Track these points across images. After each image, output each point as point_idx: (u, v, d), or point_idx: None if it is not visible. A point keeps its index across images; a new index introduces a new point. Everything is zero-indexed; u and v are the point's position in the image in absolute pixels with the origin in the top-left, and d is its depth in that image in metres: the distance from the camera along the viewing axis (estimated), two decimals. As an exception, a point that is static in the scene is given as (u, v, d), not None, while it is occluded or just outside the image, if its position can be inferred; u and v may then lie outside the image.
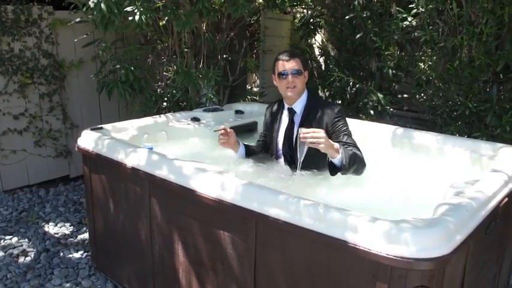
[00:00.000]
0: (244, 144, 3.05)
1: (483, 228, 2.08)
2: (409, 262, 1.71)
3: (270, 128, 3.05)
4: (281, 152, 2.95)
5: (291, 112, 2.88)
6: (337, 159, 2.55)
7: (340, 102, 4.78)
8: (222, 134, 2.88)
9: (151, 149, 2.91)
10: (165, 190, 2.57)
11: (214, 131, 2.89)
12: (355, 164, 2.59)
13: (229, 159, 2.99)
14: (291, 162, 2.87)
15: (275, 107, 3.06)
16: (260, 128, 3.38)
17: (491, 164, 2.68)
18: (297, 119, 2.87)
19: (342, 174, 2.61)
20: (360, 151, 2.67)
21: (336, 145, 2.56)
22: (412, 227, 1.75)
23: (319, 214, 1.92)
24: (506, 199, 2.28)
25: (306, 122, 2.77)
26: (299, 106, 2.87)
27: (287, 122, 2.92)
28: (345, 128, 2.76)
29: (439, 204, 1.99)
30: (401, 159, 3.11)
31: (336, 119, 2.75)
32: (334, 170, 2.61)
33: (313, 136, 2.47)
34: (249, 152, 3.06)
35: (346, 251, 1.85)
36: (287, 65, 2.78)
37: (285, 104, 2.95)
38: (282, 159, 2.96)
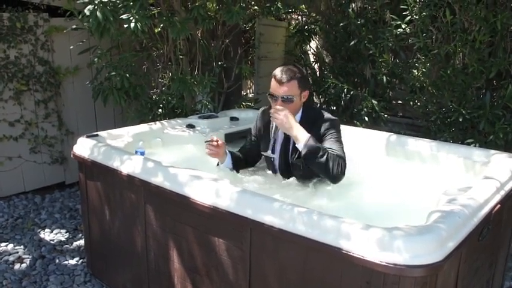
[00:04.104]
0: (230, 152, 2.92)
1: (476, 235, 2.10)
2: (402, 269, 1.73)
3: (263, 138, 2.94)
4: (277, 167, 2.88)
5: (286, 140, 2.79)
6: (299, 145, 2.55)
7: (334, 108, 4.81)
8: (213, 145, 2.78)
9: (143, 153, 2.93)
10: (160, 197, 2.58)
11: (206, 141, 2.81)
12: (321, 158, 2.50)
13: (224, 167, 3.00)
14: (288, 176, 2.84)
15: (267, 116, 2.88)
16: None
17: (484, 171, 2.70)
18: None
19: (306, 163, 2.59)
20: (342, 158, 2.58)
21: (304, 134, 2.54)
22: (405, 234, 1.77)
23: (313, 221, 1.94)
24: (499, 206, 2.30)
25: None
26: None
27: (282, 138, 2.83)
28: (333, 136, 2.67)
29: (432, 211, 2.01)
30: (395, 166, 3.13)
31: (326, 129, 2.68)
32: (299, 157, 2.60)
33: (273, 112, 2.55)
34: (235, 162, 2.92)
35: (340, 258, 1.87)
36: (280, 89, 2.64)
37: None
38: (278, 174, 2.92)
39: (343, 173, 2.57)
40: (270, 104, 2.81)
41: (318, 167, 2.56)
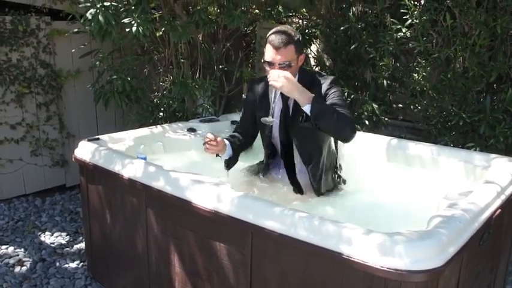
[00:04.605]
0: (227, 140, 2.83)
1: (477, 240, 2.11)
2: (402, 274, 1.73)
3: (262, 108, 2.77)
4: (277, 138, 2.78)
5: (285, 97, 2.63)
6: (306, 107, 2.43)
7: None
8: (212, 144, 2.68)
9: (144, 159, 2.94)
10: (161, 201, 2.59)
11: (204, 143, 2.72)
12: (332, 117, 2.40)
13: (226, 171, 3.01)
14: (288, 151, 2.75)
15: (263, 85, 2.80)
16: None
17: (484, 175, 2.71)
18: (291, 102, 2.66)
19: (316, 125, 2.45)
20: (350, 115, 2.49)
21: (309, 95, 2.43)
22: (406, 239, 1.78)
23: (314, 226, 1.94)
24: (500, 210, 2.30)
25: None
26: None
27: (281, 106, 2.71)
28: (336, 94, 2.55)
29: (433, 216, 2.02)
30: (396, 170, 3.13)
31: (328, 89, 2.57)
32: (307, 119, 2.46)
33: (273, 77, 2.43)
34: (235, 148, 2.84)
35: (341, 263, 1.87)
36: (276, 55, 2.53)
37: None
38: (277, 153, 2.83)
39: (354, 132, 2.46)
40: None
41: (328, 127, 2.46)
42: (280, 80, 2.42)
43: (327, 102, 2.53)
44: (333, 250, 1.88)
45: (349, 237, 1.86)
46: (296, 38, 2.58)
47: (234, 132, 3.01)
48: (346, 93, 4.42)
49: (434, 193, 2.60)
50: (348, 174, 3.13)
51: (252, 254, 2.20)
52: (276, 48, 2.53)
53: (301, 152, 2.72)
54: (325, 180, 2.76)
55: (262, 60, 2.65)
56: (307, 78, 2.64)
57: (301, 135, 2.67)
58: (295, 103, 2.56)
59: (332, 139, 2.78)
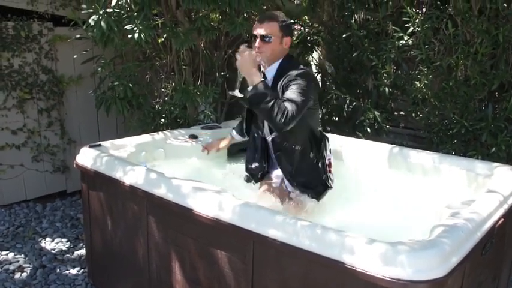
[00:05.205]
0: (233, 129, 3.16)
1: (479, 249, 2.10)
2: (405, 284, 1.73)
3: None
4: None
5: (264, 77, 2.69)
6: (249, 88, 2.54)
7: (337, 119, 4.81)
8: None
9: (144, 165, 2.95)
10: (163, 208, 2.59)
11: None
12: (265, 105, 2.46)
13: (227, 178, 3.01)
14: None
15: None
16: None
17: (487, 184, 2.70)
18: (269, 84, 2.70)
19: (250, 107, 2.66)
20: (292, 107, 2.47)
21: (257, 79, 2.51)
22: (409, 249, 1.77)
23: (317, 235, 1.94)
24: (502, 219, 2.30)
25: (273, 86, 2.66)
26: (272, 71, 2.74)
27: None
28: (293, 87, 2.56)
29: (435, 225, 2.01)
30: (398, 179, 3.12)
31: (290, 80, 2.59)
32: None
33: (239, 51, 2.60)
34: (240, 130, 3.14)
35: (343, 272, 1.86)
36: (257, 28, 2.69)
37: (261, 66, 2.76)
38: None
39: (286, 123, 2.45)
40: None
41: (260, 113, 2.58)
42: (243, 56, 2.57)
43: (284, 93, 2.57)
44: (335, 259, 1.87)
45: (351, 246, 1.85)
46: (281, 19, 2.70)
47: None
48: (348, 101, 4.42)
49: (436, 202, 2.60)
50: (349, 182, 3.13)
51: (253, 263, 2.19)
52: (260, 21, 2.70)
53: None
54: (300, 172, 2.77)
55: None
56: (286, 67, 2.68)
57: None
58: (272, 85, 2.66)
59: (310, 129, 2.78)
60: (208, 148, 3.29)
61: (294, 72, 2.61)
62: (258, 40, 2.67)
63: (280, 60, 2.72)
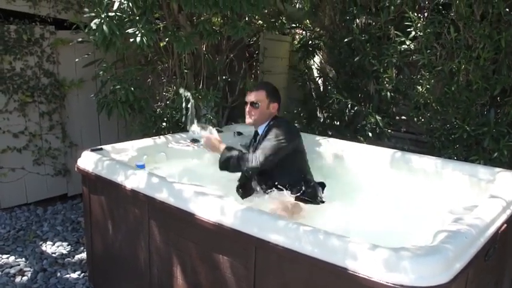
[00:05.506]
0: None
1: (482, 255, 2.08)
2: (408, 290, 1.71)
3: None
4: None
5: (256, 134, 3.21)
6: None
7: (338, 123, 4.80)
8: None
9: (142, 166, 2.94)
10: (164, 213, 2.58)
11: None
12: (232, 163, 2.94)
13: (229, 182, 3.00)
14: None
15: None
16: None
17: (489, 189, 2.69)
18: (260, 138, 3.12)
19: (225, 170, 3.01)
20: (257, 155, 2.89)
21: (219, 149, 3.04)
22: (412, 255, 1.76)
23: (319, 241, 1.93)
24: (505, 225, 2.29)
25: (259, 143, 3.05)
26: (262, 128, 3.14)
27: (253, 143, 3.24)
28: (265, 141, 2.96)
29: (438, 231, 2.00)
30: (400, 184, 3.11)
31: (264, 136, 3.00)
32: None
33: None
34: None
35: (346, 278, 1.85)
36: (248, 96, 3.15)
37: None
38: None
39: (250, 171, 2.95)
40: None
41: (232, 169, 2.99)
42: (204, 142, 3.16)
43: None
44: (337, 265, 1.86)
45: (354, 252, 1.84)
46: (270, 88, 3.18)
47: None
48: (349, 105, 4.42)
49: (438, 207, 2.59)
50: (350, 187, 3.13)
51: (255, 268, 2.18)
52: (251, 90, 3.20)
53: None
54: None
55: None
56: (274, 124, 3.07)
57: None
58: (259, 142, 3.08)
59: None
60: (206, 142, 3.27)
61: (270, 130, 3.00)
62: (248, 105, 3.12)
63: (268, 121, 3.12)
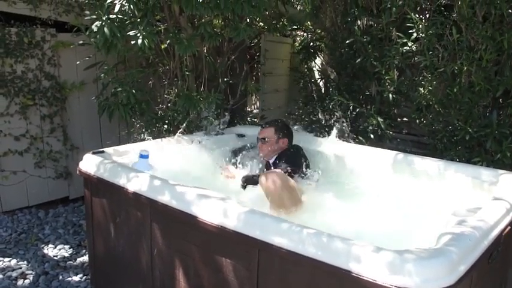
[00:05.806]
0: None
1: (486, 258, 2.08)
2: (412, 293, 1.70)
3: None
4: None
5: (268, 164, 3.45)
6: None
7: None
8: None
9: (146, 156, 2.94)
10: (166, 215, 2.57)
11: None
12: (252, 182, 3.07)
13: (231, 185, 3.00)
14: None
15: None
16: None
17: (492, 191, 2.68)
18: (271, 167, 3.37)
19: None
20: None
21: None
22: (416, 257, 1.75)
23: (323, 243, 1.92)
24: (509, 227, 2.28)
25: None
26: (273, 159, 3.41)
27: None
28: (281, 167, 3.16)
29: (442, 233, 2.00)
30: (402, 186, 3.10)
31: (280, 164, 3.22)
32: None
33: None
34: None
35: (350, 281, 1.85)
36: (259, 133, 3.47)
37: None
38: None
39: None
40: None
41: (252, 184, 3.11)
42: (226, 175, 3.42)
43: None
44: (341, 268, 1.85)
45: (357, 254, 1.83)
46: (279, 125, 3.49)
47: None
48: (351, 107, 4.41)
49: (441, 209, 2.58)
50: (353, 188, 3.12)
51: (258, 270, 2.17)
52: (262, 127, 3.52)
53: None
54: None
55: None
56: (284, 153, 3.37)
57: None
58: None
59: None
60: (225, 172, 3.49)
61: (284, 161, 3.24)
62: (259, 142, 3.45)
63: (279, 152, 3.39)
